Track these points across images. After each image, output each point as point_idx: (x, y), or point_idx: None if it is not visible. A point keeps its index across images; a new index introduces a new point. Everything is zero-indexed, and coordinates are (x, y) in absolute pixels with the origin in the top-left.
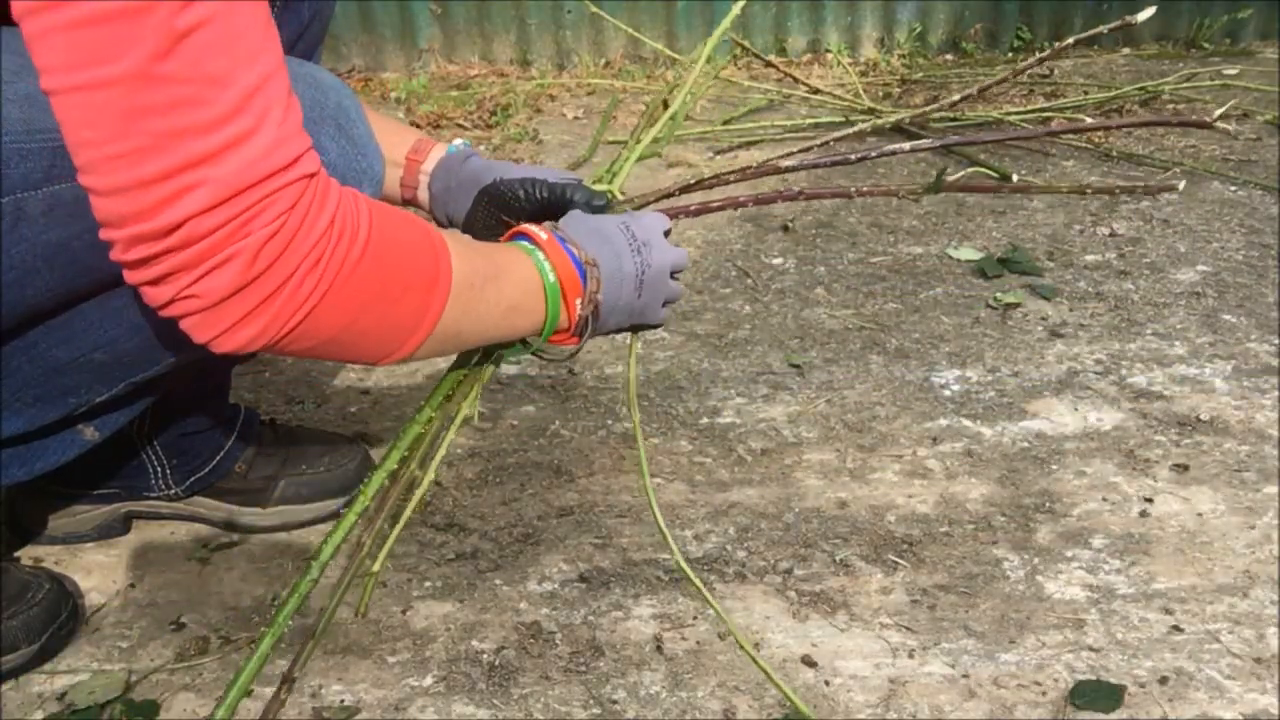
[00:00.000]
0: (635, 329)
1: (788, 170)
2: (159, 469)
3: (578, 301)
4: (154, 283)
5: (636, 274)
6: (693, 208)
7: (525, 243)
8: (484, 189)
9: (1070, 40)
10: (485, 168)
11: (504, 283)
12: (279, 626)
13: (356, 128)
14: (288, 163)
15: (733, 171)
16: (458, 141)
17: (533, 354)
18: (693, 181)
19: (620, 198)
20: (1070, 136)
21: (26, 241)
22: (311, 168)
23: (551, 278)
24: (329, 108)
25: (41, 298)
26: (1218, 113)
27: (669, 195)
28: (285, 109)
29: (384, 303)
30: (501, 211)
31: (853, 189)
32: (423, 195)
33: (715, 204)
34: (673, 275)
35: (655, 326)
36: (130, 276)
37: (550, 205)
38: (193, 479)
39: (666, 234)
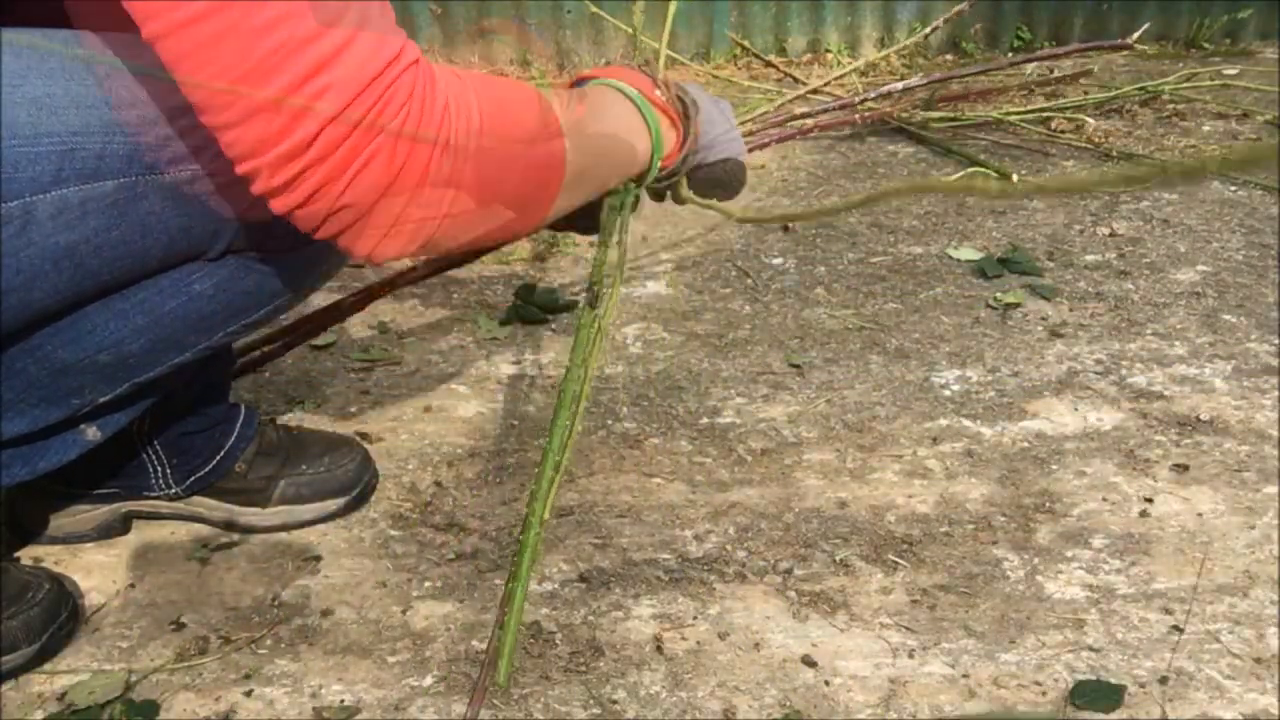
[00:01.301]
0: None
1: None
2: (159, 468)
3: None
4: (305, 203)
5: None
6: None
7: (631, 91)
8: None
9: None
10: None
11: (604, 114)
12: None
13: None
14: (396, 53)
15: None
16: None
17: (650, 186)
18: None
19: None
20: (1071, 136)
21: (35, 245)
22: (414, 54)
23: (639, 98)
24: None
25: (48, 300)
26: (1135, 35)
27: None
28: (380, 2)
29: (516, 162)
30: None
31: (856, 115)
32: None
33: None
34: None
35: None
36: (279, 204)
37: None
38: (193, 478)
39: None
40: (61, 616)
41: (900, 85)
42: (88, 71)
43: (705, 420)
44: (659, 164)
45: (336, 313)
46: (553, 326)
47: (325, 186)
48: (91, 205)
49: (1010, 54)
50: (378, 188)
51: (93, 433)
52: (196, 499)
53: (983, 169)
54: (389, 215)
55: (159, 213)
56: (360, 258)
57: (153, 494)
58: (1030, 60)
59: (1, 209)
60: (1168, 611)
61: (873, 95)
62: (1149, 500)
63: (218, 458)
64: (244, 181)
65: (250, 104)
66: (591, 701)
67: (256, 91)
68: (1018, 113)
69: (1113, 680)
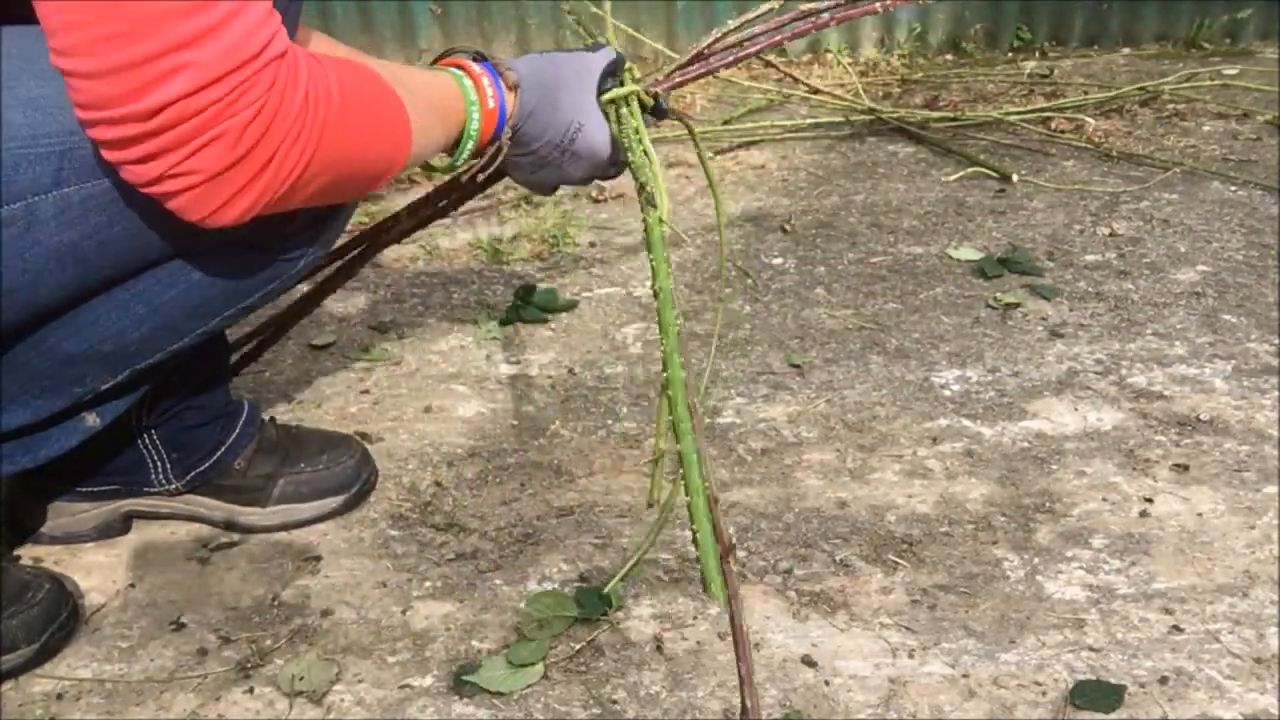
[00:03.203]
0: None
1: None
2: (159, 463)
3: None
4: (139, 161)
5: (553, 154)
6: (730, 59)
7: (457, 72)
8: None
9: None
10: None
11: (444, 107)
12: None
13: None
14: (265, 43)
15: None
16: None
17: (454, 166)
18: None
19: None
20: (1071, 136)
21: (39, 245)
22: (282, 47)
23: (468, 84)
24: None
25: (54, 297)
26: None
27: (701, 56)
28: None
29: (362, 151)
30: None
31: (879, 3)
32: None
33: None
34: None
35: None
36: (111, 155)
37: None
38: (193, 473)
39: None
40: (61, 616)
41: None
42: None
43: (705, 420)
44: (475, 130)
45: (326, 289)
46: (553, 326)
47: (163, 154)
48: (92, 203)
49: (1010, 54)
50: (216, 167)
51: (93, 419)
52: (196, 498)
53: (983, 169)
54: (225, 191)
55: (158, 206)
56: (192, 221)
57: (153, 490)
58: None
59: (4, 211)
60: (1168, 611)
61: None
62: (1149, 500)
63: (219, 453)
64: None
65: (110, 61)
66: (591, 701)
67: (119, 52)
68: (1018, 113)
69: (1113, 680)
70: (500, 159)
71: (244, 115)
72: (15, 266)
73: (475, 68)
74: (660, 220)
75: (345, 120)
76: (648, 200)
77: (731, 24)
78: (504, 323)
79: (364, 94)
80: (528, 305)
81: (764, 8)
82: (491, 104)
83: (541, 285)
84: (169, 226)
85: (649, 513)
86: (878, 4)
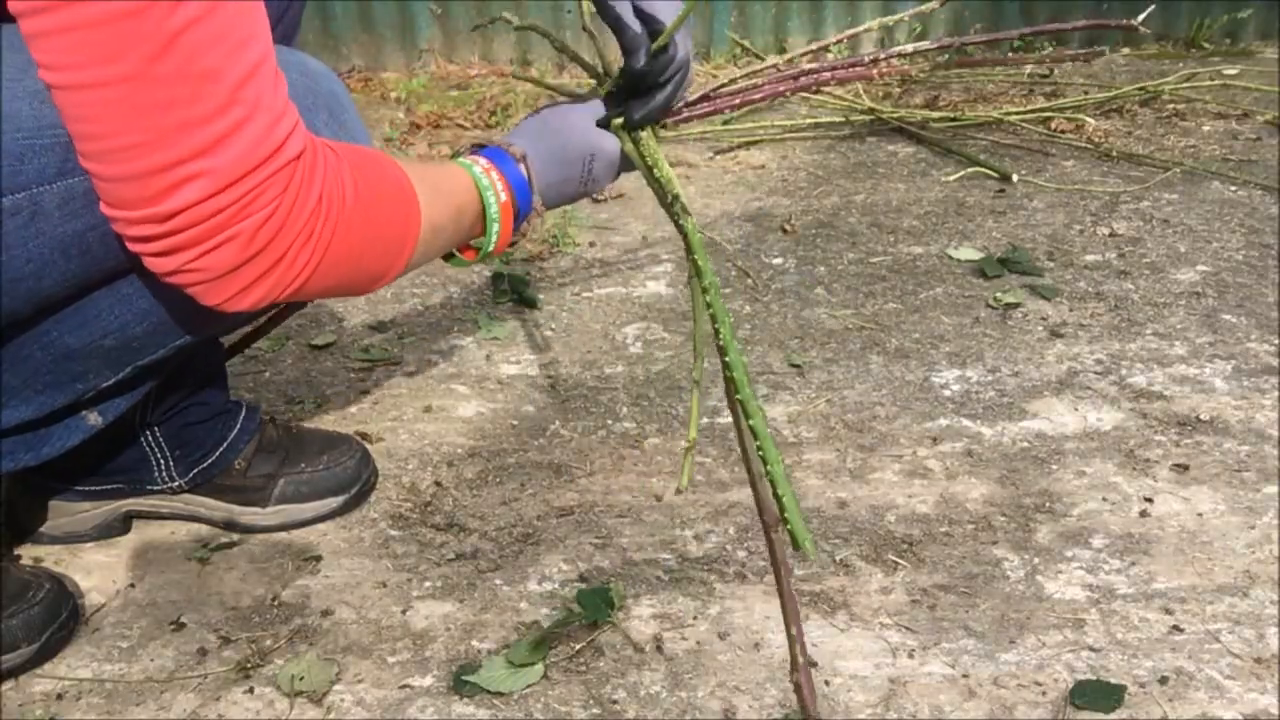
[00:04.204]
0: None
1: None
2: (161, 461)
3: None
4: (156, 255)
5: (579, 189)
6: (737, 100)
7: (466, 162)
8: None
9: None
10: None
11: (458, 203)
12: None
13: (347, 113)
14: (278, 145)
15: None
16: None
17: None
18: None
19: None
20: (1071, 136)
21: (43, 235)
22: (299, 147)
23: (490, 196)
24: (321, 95)
25: (57, 288)
26: (1141, 16)
27: (707, 99)
28: (274, 88)
29: (372, 250)
30: None
31: (871, 64)
32: None
33: (756, 96)
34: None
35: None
36: (132, 247)
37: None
38: (195, 470)
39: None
40: (62, 616)
41: (910, 48)
42: None
43: (705, 420)
44: (494, 239)
45: None
46: (553, 326)
47: (178, 252)
48: (96, 194)
49: (1011, 53)
50: (228, 265)
51: (94, 418)
52: (196, 498)
53: (983, 169)
54: (236, 285)
55: None
56: (210, 305)
57: (155, 488)
58: (1041, 31)
59: (7, 201)
60: (1168, 611)
61: (885, 55)
62: (1149, 500)
63: (220, 449)
64: None
65: (128, 170)
66: (591, 701)
67: (136, 161)
68: (1018, 113)
69: (1113, 680)
70: (533, 224)
71: (256, 218)
72: (19, 257)
73: (480, 159)
74: (695, 225)
75: (358, 218)
76: (682, 209)
77: (738, 73)
78: (498, 296)
79: (380, 192)
80: (520, 292)
81: (770, 60)
82: (504, 196)
83: (541, 282)
84: None
85: (649, 513)
86: (874, 69)
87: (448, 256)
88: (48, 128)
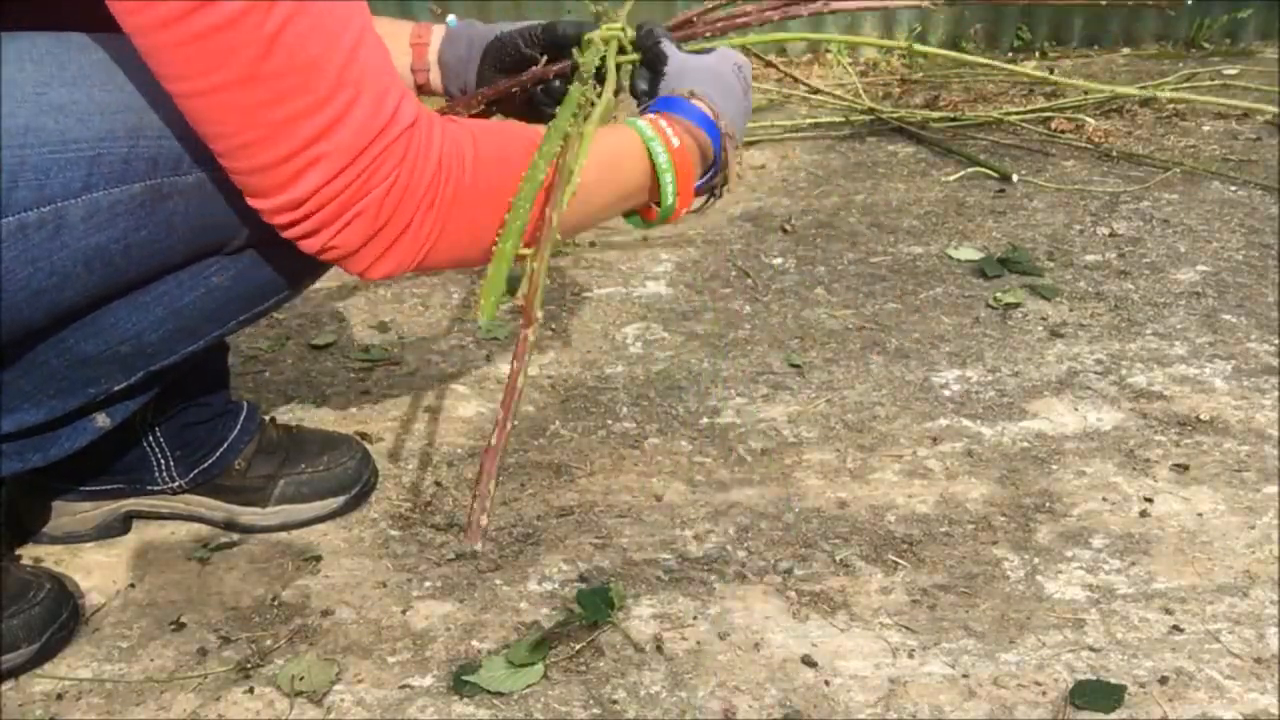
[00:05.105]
0: None
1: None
2: (162, 461)
3: (697, 176)
4: (301, 238)
5: (749, 107)
6: (719, 24)
7: (632, 119)
8: (486, 48)
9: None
10: (490, 29)
11: (618, 170)
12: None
13: None
14: (388, 120)
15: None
16: (451, 17)
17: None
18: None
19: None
20: (1071, 136)
21: (68, 248)
22: (409, 117)
23: (657, 145)
24: None
25: (79, 299)
26: None
27: (689, 23)
28: (377, 64)
29: (503, 209)
30: (501, 69)
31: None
32: (434, 76)
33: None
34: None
35: None
36: (283, 233)
37: (552, 47)
38: (196, 470)
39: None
40: (62, 616)
41: None
42: (108, 76)
43: (705, 420)
44: (670, 212)
45: None
46: (552, 326)
47: (319, 232)
48: (120, 208)
49: (1011, 54)
50: (361, 239)
51: (103, 420)
52: (196, 498)
53: (983, 169)
54: (371, 255)
55: (183, 211)
56: (356, 275)
57: (156, 488)
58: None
59: (33, 215)
60: (1168, 611)
61: None
62: (1149, 500)
63: (220, 449)
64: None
65: (254, 164)
66: (591, 701)
67: (259, 156)
68: (1018, 113)
69: (1113, 680)
70: (737, 155)
71: (378, 192)
72: (44, 269)
73: (649, 114)
74: (586, 97)
75: (481, 183)
76: (580, 80)
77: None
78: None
79: (505, 154)
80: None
81: None
82: (678, 140)
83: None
84: (192, 233)
85: (649, 513)
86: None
87: (628, 214)
88: (72, 142)
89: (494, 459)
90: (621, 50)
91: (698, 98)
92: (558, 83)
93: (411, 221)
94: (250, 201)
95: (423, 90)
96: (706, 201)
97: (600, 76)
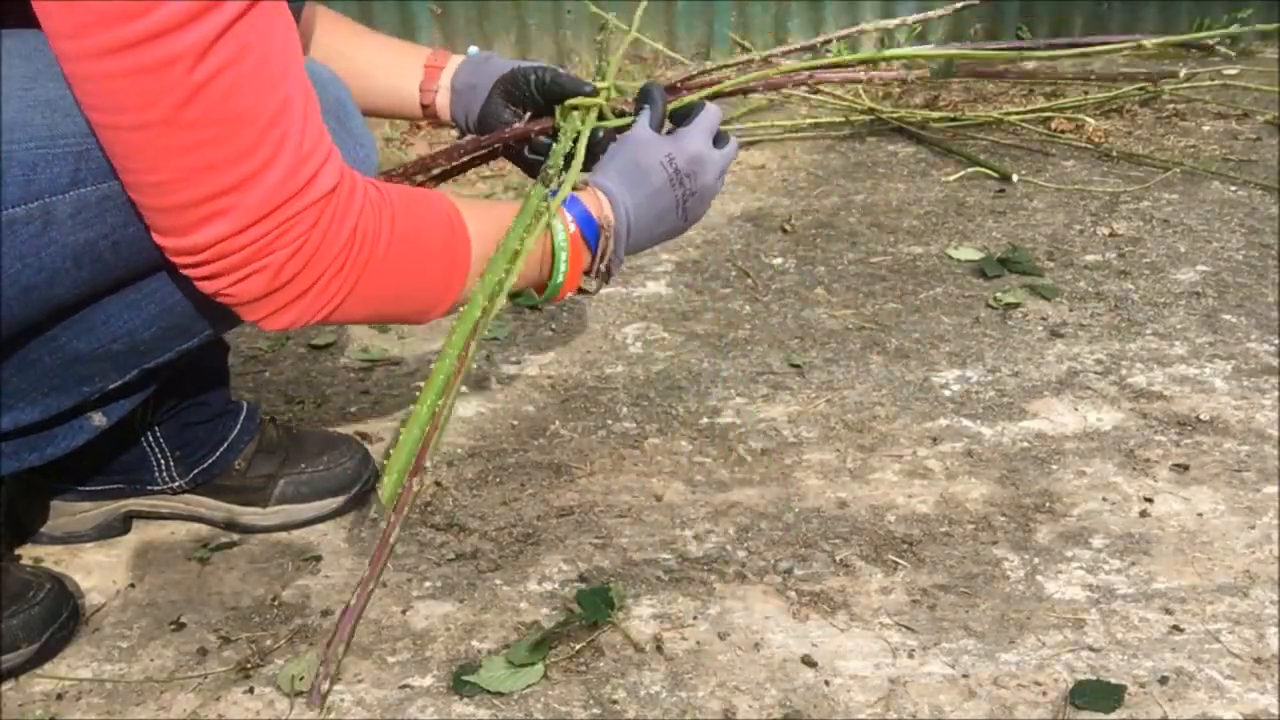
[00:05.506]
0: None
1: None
2: (162, 461)
3: (587, 259)
4: (200, 280)
5: (677, 205)
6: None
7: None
8: (500, 78)
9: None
10: (505, 63)
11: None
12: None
13: (353, 120)
14: (305, 183)
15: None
16: (474, 48)
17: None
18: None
19: (615, 94)
20: (1071, 136)
21: (56, 244)
22: (331, 182)
23: (562, 238)
24: (329, 103)
25: (69, 296)
26: (1217, 35)
27: (693, 87)
28: (304, 126)
29: (411, 285)
30: (510, 100)
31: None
32: (441, 99)
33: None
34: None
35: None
36: (182, 271)
37: (556, 95)
38: (196, 470)
39: (719, 128)
40: (62, 616)
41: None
42: None
43: (705, 420)
44: (563, 271)
45: None
46: (553, 326)
47: (216, 278)
48: (109, 203)
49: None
50: (258, 293)
51: (99, 419)
52: (196, 498)
53: (983, 169)
54: (268, 309)
55: None
56: (250, 323)
57: (156, 488)
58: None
59: (21, 210)
60: (1168, 611)
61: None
62: (1149, 500)
63: (220, 449)
64: None
65: (162, 203)
66: (591, 701)
67: (168, 197)
68: (1018, 113)
69: (1113, 680)
70: (610, 261)
71: (283, 253)
72: (32, 265)
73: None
74: (544, 199)
75: (394, 257)
76: (544, 181)
77: (710, 65)
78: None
79: (421, 233)
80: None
81: (742, 57)
82: (574, 226)
83: None
84: None
85: (649, 513)
86: (860, 72)
87: (514, 296)
88: (60, 137)
89: (351, 620)
90: (602, 116)
91: (592, 191)
92: (543, 138)
93: (316, 282)
94: (153, 236)
95: (428, 110)
96: (596, 283)
97: (570, 157)
